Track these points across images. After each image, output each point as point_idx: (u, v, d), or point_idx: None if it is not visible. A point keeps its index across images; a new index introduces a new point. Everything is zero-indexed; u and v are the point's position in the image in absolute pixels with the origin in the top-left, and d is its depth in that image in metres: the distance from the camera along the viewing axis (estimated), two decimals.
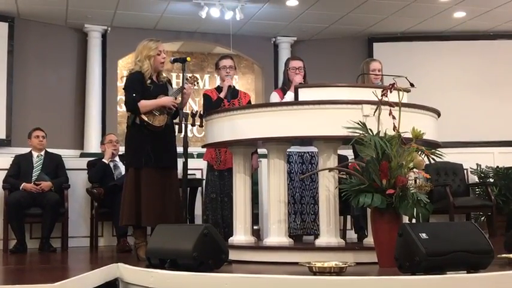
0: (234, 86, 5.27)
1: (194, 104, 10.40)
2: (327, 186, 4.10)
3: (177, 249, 3.44)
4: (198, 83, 4.84)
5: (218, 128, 4.35)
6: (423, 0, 8.37)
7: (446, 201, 6.46)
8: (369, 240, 4.02)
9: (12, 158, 6.15)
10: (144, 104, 4.36)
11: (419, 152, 3.71)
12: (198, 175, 6.59)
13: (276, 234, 4.22)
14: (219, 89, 5.14)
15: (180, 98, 4.41)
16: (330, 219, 4.10)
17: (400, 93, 3.79)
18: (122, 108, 9.55)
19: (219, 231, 4.38)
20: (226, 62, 5.16)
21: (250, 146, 4.54)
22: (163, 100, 4.41)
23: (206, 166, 5.34)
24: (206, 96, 5.11)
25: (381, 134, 3.72)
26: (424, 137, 3.78)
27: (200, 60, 11.01)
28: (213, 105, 4.89)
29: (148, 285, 3.39)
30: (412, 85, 4.25)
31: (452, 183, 7.08)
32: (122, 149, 5.50)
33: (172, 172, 4.50)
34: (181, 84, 4.47)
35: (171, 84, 4.67)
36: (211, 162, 5.17)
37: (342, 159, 4.63)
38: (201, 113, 4.60)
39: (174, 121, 4.48)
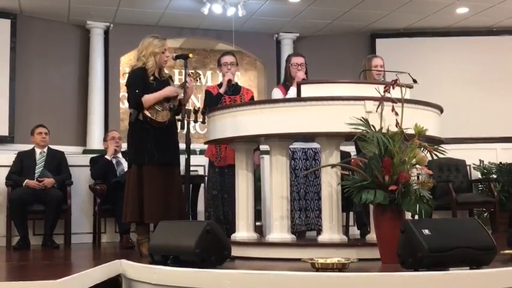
0: (236, 82, 5.28)
1: (197, 101, 10.39)
2: (330, 183, 4.10)
3: (179, 245, 3.44)
4: (200, 78, 4.85)
5: (220, 124, 4.34)
6: None
7: (449, 197, 6.45)
8: (372, 236, 4.02)
9: (15, 155, 6.16)
10: (148, 98, 4.34)
11: (422, 148, 3.70)
12: (201, 172, 6.60)
13: (279, 230, 4.22)
14: (221, 85, 5.15)
15: (182, 94, 4.41)
16: (333, 216, 4.10)
17: (403, 89, 3.79)
18: (124, 105, 9.53)
19: (221, 228, 4.39)
20: (228, 59, 5.17)
21: (253, 143, 4.54)
22: (165, 91, 4.40)
23: (208, 163, 5.35)
24: (207, 92, 5.13)
25: (384, 130, 3.71)
26: (427, 133, 3.78)
27: (202, 56, 11.00)
28: (213, 101, 4.90)
29: (151, 281, 3.39)
30: (414, 81, 4.25)
31: (455, 179, 7.07)
32: (124, 146, 5.51)
33: (174, 169, 4.50)
34: (183, 81, 4.47)
35: (172, 81, 4.67)
36: (211, 159, 5.18)
37: (345, 155, 4.62)
38: (203, 109, 4.60)
39: (177, 117, 4.48)
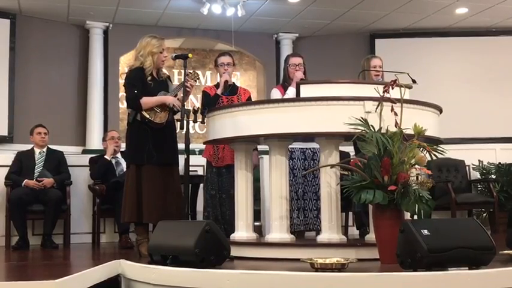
0: (233, 83, 5.29)
1: (196, 101, 10.40)
2: (329, 183, 4.10)
3: (179, 245, 3.45)
4: (198, 78, 4.85)
5: (220, 124, 4.35)
6: None
7: (448, 197, 6.45)
8: (371, 236, 4.02)
9: (15, 155, 6.16)
10: (146, 101, 4.35)
11: (421, 149, 3.70)
12: (200, 172, 6.60)
13: (278, 230, 4.22)
14: (218, 86, 5.16)
15: (181, 94, 4.42)
16: (332, 216, 4.10)
17: (402, 89, 3.79)
18: (123, 105, 9.51)
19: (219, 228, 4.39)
20: (224, 59, 5.18)
21: (252, 143, 4.54)
22: (166, 98, 4.41)
23: (206, 163, 5.35)
24: (205, 93, 5.15)
25: (383, 131, 3.71)
26: (426, 133, 3.78)
27: (202, 56, 11.00)
28: (211, 102, 4.91)
29: (150, 281, 3.39)
30: (414, 81, 4.24)
31: (454, 179, 7.08)
32: (123, 146, 5.51)
33: (173, 169, 4.49)
34: (182, 81, 4.47)
35: (171, 81, 4.67)
36: (209, 159, 5.19)
37: (344, 155, 4.62)
38: (201, 109, 4.61)
39: (176, 118, 4.48)
